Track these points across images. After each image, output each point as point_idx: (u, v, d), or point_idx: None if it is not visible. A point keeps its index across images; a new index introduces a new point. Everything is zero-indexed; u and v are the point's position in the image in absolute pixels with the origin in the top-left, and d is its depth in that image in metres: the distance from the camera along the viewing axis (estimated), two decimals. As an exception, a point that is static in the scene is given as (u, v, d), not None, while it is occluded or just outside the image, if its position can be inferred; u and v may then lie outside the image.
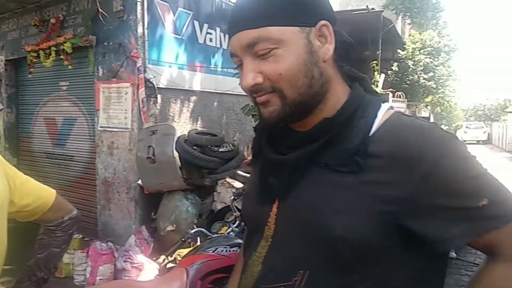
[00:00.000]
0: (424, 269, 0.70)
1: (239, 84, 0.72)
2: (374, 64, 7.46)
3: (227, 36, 5.13)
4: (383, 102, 0.73)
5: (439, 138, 0.66)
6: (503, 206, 0.65)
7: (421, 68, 11.28)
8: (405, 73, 11.35)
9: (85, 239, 3.88)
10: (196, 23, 4.59)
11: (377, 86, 7.03)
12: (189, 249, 2.36)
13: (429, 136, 0.66)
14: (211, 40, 4.87)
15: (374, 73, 7.44)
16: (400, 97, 9.39)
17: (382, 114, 0.70)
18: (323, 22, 0.69)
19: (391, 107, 0.74)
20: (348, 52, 0.74)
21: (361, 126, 0.69)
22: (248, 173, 3.52)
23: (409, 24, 13.73)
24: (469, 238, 0.65)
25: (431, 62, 11.44)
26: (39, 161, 5.07)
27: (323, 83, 0.69)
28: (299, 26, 0.67)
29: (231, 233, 2.23)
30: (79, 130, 4.63)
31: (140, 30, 3.88)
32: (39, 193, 1.05)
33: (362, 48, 8.32)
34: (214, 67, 4.90)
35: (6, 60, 5.22)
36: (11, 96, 5.32)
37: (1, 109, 5.27)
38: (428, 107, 12.54)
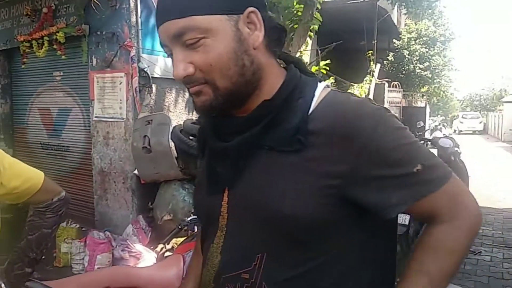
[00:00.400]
0: (374, 238, 0.74)
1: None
2: (370, 54, 7.45)
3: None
4: (319, 82, 0.75)
5: (371, 112, 0.69)
6: (435, 170, 0.70)
7: (417, 58, 11.30)
8: (401, 63, 11.36)
9: (83, 229, 3.89)
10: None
11: (372, 76, 7.03)
12: (185, 237, 2.37)
13: (362, 111, 0.69)
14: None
15: (369, 63, 7.44)
16: (396, 87, 9.40)
17: (319, 93, 0.72)
18: (251, 9, 0.68)
19: (327, 86, 0.76)
20: (280, 37, 0.75)
21: (299, 106, 0.70)
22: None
23: (404, 14, 13.67)
24: (408, 205, 0.68)
25: (427, 52, 11.45)
26: (34, 152, 5.05)
27: (255, 70, 0.69)
28: (226, 14, 0.66)
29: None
30: (74, 120, 4.61)
31: (133, 19, 3.84)
32: (28, 175, 1.06)
33: (358, 38, 8.30)
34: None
35: (-1, 50, 5.17)
36: (5, 87, 5.28)
37: (-5, 100, 5.23)
38: (424, 97, 12.57)
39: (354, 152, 0.66)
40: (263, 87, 0.72)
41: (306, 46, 5.13)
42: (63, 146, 4.78)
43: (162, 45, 0.71)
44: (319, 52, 5.99)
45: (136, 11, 3.86)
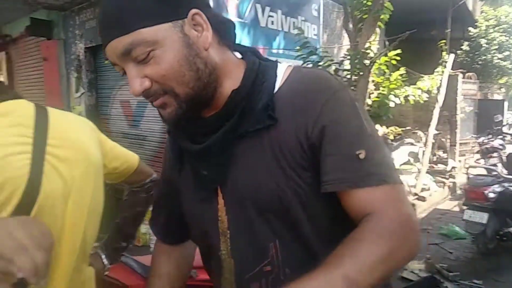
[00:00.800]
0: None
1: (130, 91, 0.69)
2: (442, 44, 7.05)
3: (288, 18, 5.19)
4: (278, 63, 0.75)
5: (326, 87, 0.69)
6: (380, 167, 0.66)
7: (496, 47, 10.44)
8: (476, 53, 10.58)
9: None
10: (258, 6, 4.65)
11: (445, 67, 6.65)
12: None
13: (318, 84, 0.70)
14: (272, 23, 4.90)
15: (442, 53, 7.04)
16: (471, 78, 8.80)
17: (282, 72, 0.73)
18: (194, 11, 0.66)
19: (290, 65, 0.76)
20: (229, 30, 0.74)
21: (264, 89, 0.71)
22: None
23: (481, 0, 12.68)
24: (341, 189, 0.65)
25: (507, 40, 10.54)
26: (116, 140, 5.26)
27: (211, 71, 0.68)
28: (170, 21, 0.64)
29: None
30: (151, 112, 4.92)
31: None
32: (126, 157, 1.14)
33: (428, 27, 7.88)
34: (276, 50, 4.95)
35: (85, 47, 5.64)
36: (91, 81, 5.77)
37: (83, 93, 5.75)
38: (502, 89, 11.61)
39: (310, 124, 0.67)
40: (224, 83, 0.71)
41: (376, 37, 5.00)
42: (141, 135, 5.16)
43: (112, 64, 0.69)
44: (387, 43, 5.80)
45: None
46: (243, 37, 4.46)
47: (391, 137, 7.18)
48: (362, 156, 0.65)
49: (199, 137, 0.74)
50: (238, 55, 0.77)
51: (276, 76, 0.72)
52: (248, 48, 0.78)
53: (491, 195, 3.89)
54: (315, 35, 5.76)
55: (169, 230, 0.94)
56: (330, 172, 0.66)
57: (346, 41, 5.82)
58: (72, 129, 0.94)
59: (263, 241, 0.71)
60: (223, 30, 0.72)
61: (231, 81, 0.71)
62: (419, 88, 6.09)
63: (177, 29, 0.65)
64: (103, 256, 1.15)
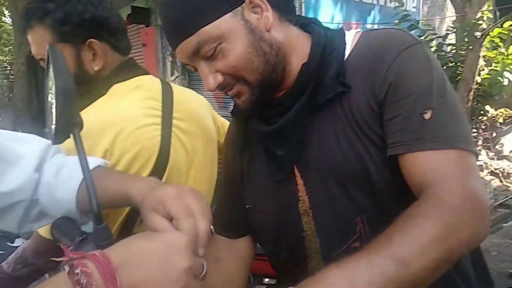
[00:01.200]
0: None
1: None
2: None
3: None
4: (346, 31, 0.73)
5: (400, 43, 0.66)
6: (446, 129, 0.60)
7: None
8: None
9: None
10: (352, -21, 4.40)
11: None
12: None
13: (390, 42, 0.67)
14: (367, -4, 4.62)
15: None
16: None
17: (351, 39, 0.71)
18: None
19: (358, 31, 0.73)
20: (288, 4, 0.72)
21: (334, 58, 0.69)
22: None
23: None
24: (397, 152, 0.61)
25: None
26: None
27: (277, 52, 0.68)
28: (229, 11, 0.64)
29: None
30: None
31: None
32: None
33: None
34: (370, 25, 4.66)
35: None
36: (184, 65, 6.07)
37: (177, 76, 6.09)
38: None
39: (377, 84, 0.64)
40: (292, 60, 0.70)
41: (490, 5, 4.42)
42: (231, 117, 5.28)
43: (184, 64, 0.72)
44: (498, 13, 5.11)
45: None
46: (335, 13, 4.26)
47: (501, 119, 6.40)
48: (427, 116, 0.60)
49: (272, 118, 0.73)
50: (299, 30, 0.75)
51: (344, 43, 0.71)
52: (310, 20, 0.77)
53: None
54: (414, 7, 5.38)
55: (233, 221, 0.87)
56: (391, 134, 0.63)
57: (449, 13, 5.28)
58: (193, 104, 1.01)
59: (349, 216, 0.69)
60: (282, 6, 0.71)
61: (299, 57, 0.70)
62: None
63: (238, 17, 0.65)
64: (212, 227, 1.21)
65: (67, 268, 0.36)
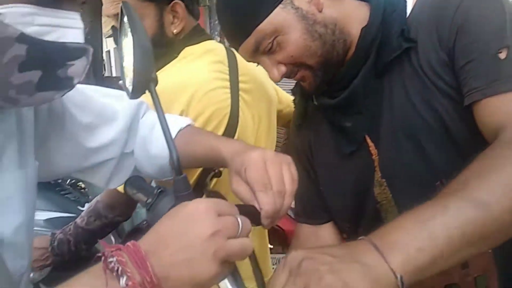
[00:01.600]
0: None
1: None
2: None
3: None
4: None
5: None
6: None
7: None
8: None
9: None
10: None
11: None
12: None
13: None
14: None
15: None
16: None
17: None
18: None
19: None
20: None
21: (396, 18, 0.67)
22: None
23: None
24: (474, 99, 0.58)
25: None
26: None
27: (333, 30, 0.68)
28: (279, 4, 0.65)
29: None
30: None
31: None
32: (287, 102, 1.19)
33: None
34: None
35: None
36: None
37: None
38: None
39: (444, 32, 0.62)
40: (351, 31, 0.69)
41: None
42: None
43: (248, 61, 0.75)
44: None
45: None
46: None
47: None
48: (503, 55, 0.57)
49: (337, 92, 0.72)
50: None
51: (405, 1, 0.70)
52: None
53: None
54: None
55: (313, 206, 0.85)
56: (466, 82, 0.60)
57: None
58: (255, 69, 1.03)
59: (429, 182, 0.66)
60: None
61: (358, 27, 0.69)
62: None
63: (288, 7, 0.66)
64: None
65: (102, 259, 0.37)
